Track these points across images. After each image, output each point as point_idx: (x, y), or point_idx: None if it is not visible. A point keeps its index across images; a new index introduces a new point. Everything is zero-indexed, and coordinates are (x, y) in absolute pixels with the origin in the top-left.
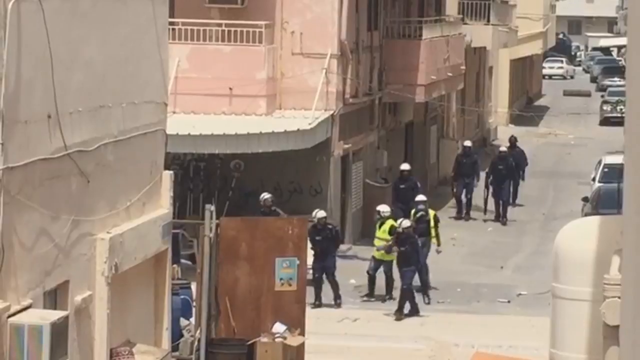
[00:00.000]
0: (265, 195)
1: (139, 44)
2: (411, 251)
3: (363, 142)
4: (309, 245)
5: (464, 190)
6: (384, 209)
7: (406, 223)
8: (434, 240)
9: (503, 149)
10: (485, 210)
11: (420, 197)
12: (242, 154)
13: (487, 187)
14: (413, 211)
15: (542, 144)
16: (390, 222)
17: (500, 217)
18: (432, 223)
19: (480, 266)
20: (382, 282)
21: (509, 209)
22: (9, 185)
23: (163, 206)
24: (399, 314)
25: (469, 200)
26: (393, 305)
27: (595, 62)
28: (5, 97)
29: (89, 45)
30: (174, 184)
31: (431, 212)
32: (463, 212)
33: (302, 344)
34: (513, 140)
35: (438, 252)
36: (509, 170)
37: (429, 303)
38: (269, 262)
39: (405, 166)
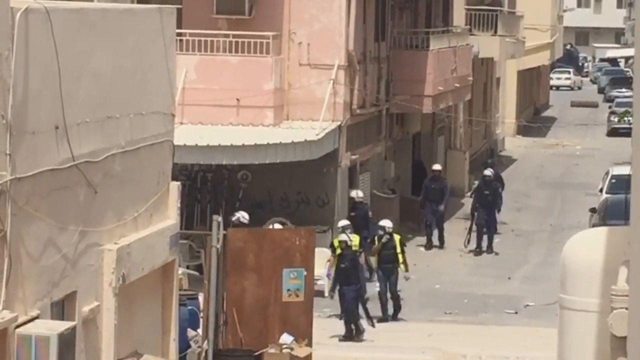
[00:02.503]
0: (238, 214)
1: (147, 54)
2: (351, 268)
3: (370, 152)
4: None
5: (434, 219)
6: (344, 223)
7: (343, 237)
8: (402, 266)
9: (488, 173)
10: (468, 241)
11: (383, 222)
12: (250, 165)
13: (472, 214)
14: (377, 237)
15: (549, 155)
16: (357, 237)
17: (486, 248)
18: (398, 249)
19: (488, 277)
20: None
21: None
22: (17, 195)
23: (170, 217)
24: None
25: (440, 230)
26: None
27: (602, 73)
28: (13, 108)
29: (96, 56)
30: (181, 194)
31: (396, 237)
32: (432, 242)
33: (310, 355)
34: (490, 165)
35: (406, 278)
36: (495, 196)
37: (373, 326)
38: (276, 273)
39: (354, 193)
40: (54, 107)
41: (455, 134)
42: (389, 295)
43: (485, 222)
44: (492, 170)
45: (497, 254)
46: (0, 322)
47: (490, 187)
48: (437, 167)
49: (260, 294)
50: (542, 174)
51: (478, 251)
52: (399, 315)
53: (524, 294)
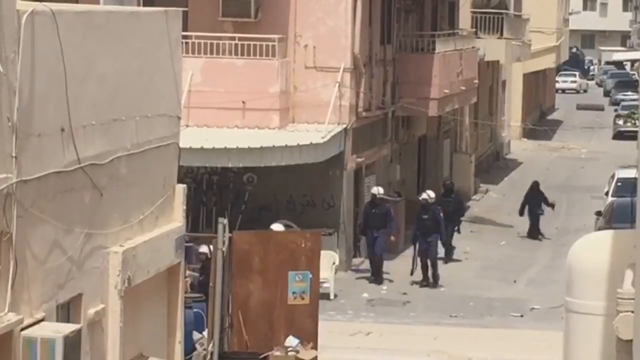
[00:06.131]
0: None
1: (153, 57)
2: None
3: (376, 155)
4: None
5: (373, 247)
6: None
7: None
8: None
9: (425, 196)
10: (412, 271)
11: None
12: (255, 168)
13: (413, 242)
14: None
15: (555, 158)
16: None
17: (429, 281)
18: None
19: (493, 280)
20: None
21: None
22: (23, 198)
23: (176, 220)
24: None
25: (380, 259)
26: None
27: (608, 76)
28: (19, 110)
29: (102, 58)
30: (187, 197)
31: None
32: (376, 273)
33: (315, 358)
34: (448, 186)
35: None
36: (434, 221)
37: None
38: (281, 275)
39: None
40: (60, 109)
41: (461, 136)
42: None
43: (425, 252)
44: (430, 192)
45: (441, 286)
46: (5, 325)
47: (429, 211)
48: (375, 190)
49: (266, 296)
50: (547, 177)
51: (425, 284)
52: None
53: (530, 297)
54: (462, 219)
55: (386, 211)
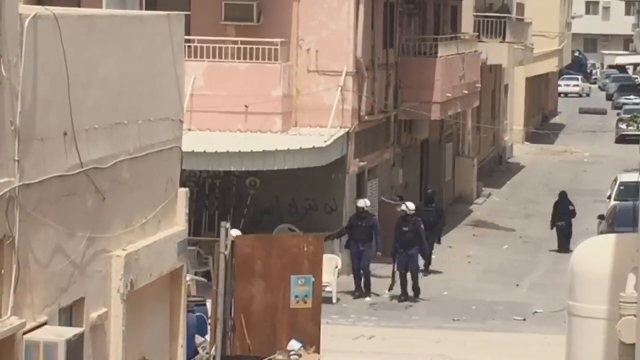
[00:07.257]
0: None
1: (155, 61)
2: None
3: (379, 159)
4: None
5: (358, 262)
6: None
7: None
8: None
9: (404, 208)
10: (391, 286)
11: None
12: (258, 172)
13: (393, 256)
14: None
15: (557, 162)
16: None
17: (409, 295)
18: None
19: (496, 284)
20: None
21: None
22: (25, 202)
23: (179, 224)
24: None
25: (366, 273)
26: None
27: (611, 80)
28: (22, 114)
29: (105, 62)
30: (189, 201)
31: None
32: (362, 289)
33: None
34: (429, 195)
35: None
36: (415, 233)
37: None
38: (284, 279)
39: None
40: (63, 113)
41: (464, 141)
42: None
43: (406, 265)
44: (410, 204)
45: (422, 299)
46: (8, 329)
47: (408, 223)
48: (361, 203)
49: (269, 300)
50: (550, 181)
51: (403, 299)
52: None
53: (532, 301)
54: (442, 228)
55: (373, 224)
